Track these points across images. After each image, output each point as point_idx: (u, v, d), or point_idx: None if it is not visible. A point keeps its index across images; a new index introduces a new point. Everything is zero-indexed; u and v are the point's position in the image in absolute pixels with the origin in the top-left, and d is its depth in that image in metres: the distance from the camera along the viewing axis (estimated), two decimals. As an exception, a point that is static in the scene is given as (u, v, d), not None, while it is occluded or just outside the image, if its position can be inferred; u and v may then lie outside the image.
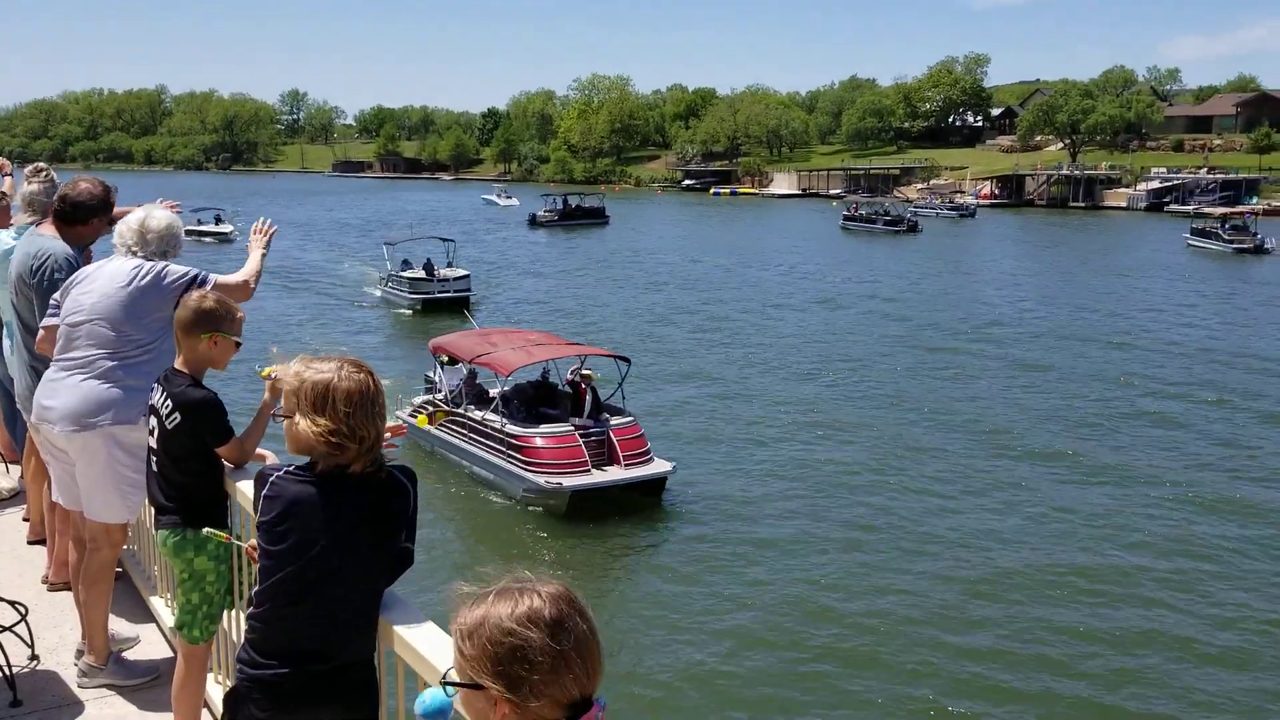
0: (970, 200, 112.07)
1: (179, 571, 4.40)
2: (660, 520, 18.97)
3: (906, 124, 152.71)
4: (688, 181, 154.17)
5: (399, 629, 3.13)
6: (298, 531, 3.16)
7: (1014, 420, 26.11)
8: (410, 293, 43.12)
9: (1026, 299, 47.99)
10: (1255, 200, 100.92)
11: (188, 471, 4.32)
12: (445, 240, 47.76)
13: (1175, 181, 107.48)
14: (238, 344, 4.44)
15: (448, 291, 42.61)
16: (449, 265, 44.89)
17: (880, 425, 25.43)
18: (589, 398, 19.92)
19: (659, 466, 19.43)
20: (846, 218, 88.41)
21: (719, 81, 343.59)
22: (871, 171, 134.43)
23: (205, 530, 4.17)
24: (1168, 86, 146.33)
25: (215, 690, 4.72)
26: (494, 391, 21.96)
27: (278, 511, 3.19)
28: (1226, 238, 68.95)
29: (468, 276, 44.18)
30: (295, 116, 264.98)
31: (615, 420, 19.83)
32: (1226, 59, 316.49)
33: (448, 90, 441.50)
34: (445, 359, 22.88)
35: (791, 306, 45.21)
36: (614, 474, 19.05)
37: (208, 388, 4.38)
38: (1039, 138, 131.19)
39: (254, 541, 3.45)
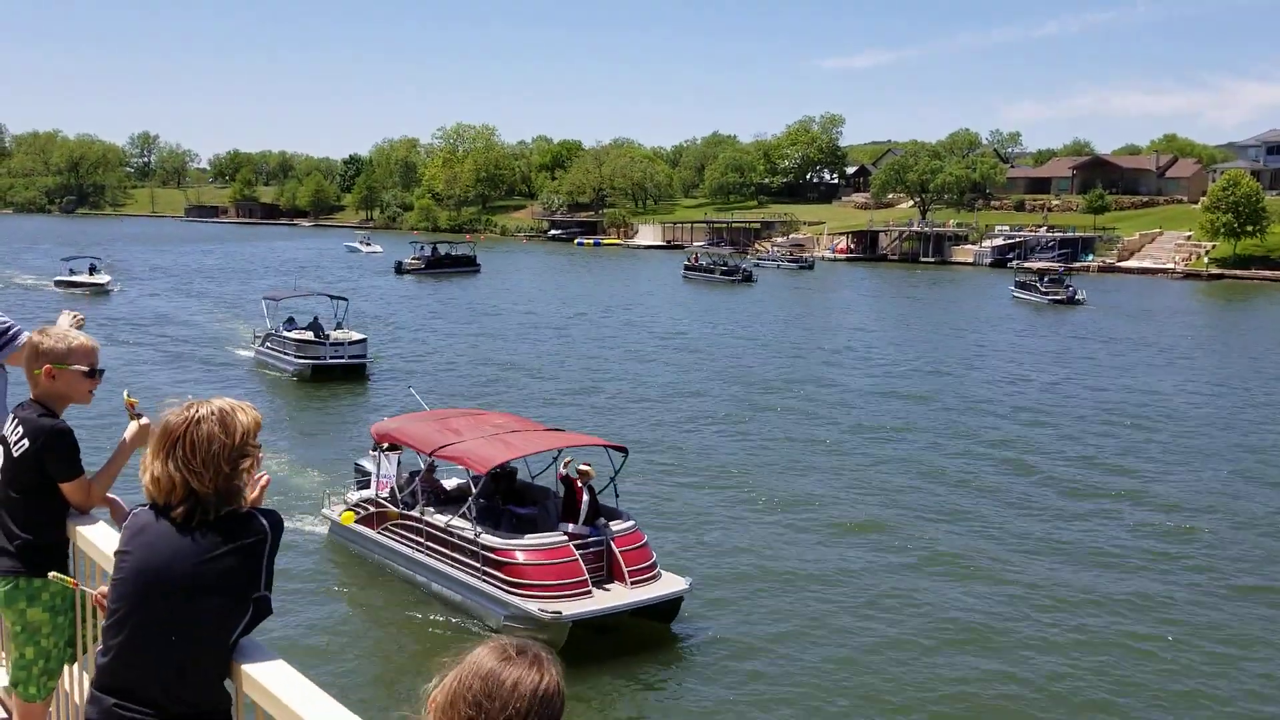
0: (826, 253, 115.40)
1: (10, 624, 4.12)
2: (671, 649, 15.22)
3: (767, 179, 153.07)
4: (553, 232, 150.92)
5: (249, 668, 2.95)
6: (139, 563, 3.03)
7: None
8: (297, 356, 37.00)
9: (841, 339, 50.27)
10: (1091, 257, 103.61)
11: (33, 509, 4.07)
12: (335, 298, 41.24)
13: (1017, 239, 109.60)
14: (87, 373, 4.21)
15: (341, 357, 36.84)
16: (338, 326, 38.83)
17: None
18: (586, 498, 15.92)
19: (672, 584, 15.60)
20: (687, 268, 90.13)
21: (585, 134, 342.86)
22: (734, 225, 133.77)
23: (51, 575, 3.86)
24: (1009, 149, 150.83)
25: (58, 755, 4.18)
26: (448, 483, 17.92)
27: (125, 540, 3.11)
28: (1043, 290, 72.55)
29: (364, 341, 38.18)
30: (146, 159, 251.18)
31: (615, 526, 15.89)
32: (1063, 122, 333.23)
33: (307, 136, 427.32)
34: (385, 447, 18.54)
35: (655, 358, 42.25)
36: (620, 596, 15.15)
37: (60, 419, 4.13)
38: (891, 195, 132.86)
39: (104, 589, 3.32)
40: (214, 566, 3.01)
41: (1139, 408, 33.94)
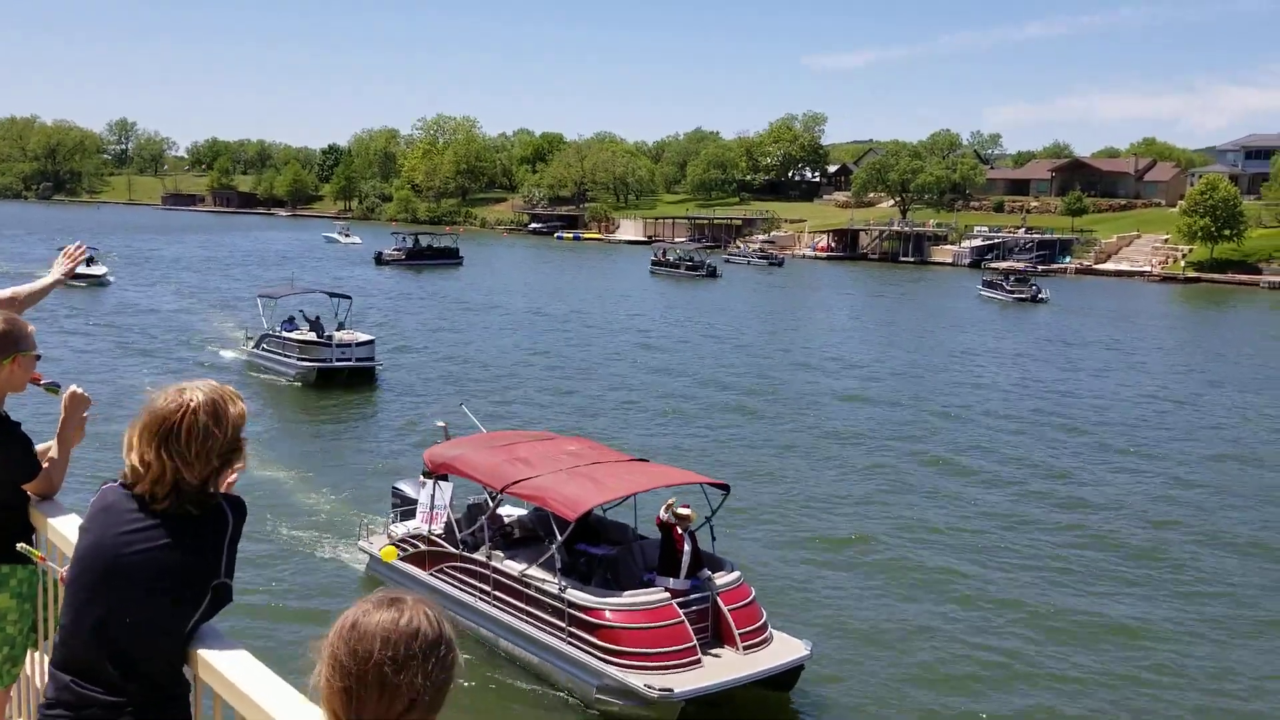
0: (807, 251, 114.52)
1: None
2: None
3: (749, 177, 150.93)
4: (534, 225, 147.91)
5: (207, 655, 2.88)
6: (98, 542, 2.94)
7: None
8: (300, 359, 33.66)
9: (796, 334, 50.21)
10: (1068, 259, 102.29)
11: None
12: (336, 296, 37.57)
13: (996, 240, 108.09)
14: (37, 356, 4.04)
15: (348, 360, 33.47)
16: (340, 326, 35.44)
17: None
18: (687, 548, 13.33)
19: (789, 649, 13.04)
20: (654, 263, 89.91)
21: (566, 127, 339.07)
22: (715, 221, 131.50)
23: (20, 546, 3.77)
24: (990, 150, 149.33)
25: (18, 740, 3.96)
26: (507, 516, 15.36)
27: (89, 516, 3.04)
28: (1009, 289, 73.22)
29: (372, 342, 34.76)
30: (124, 146, 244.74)
31: (720, 580, 13.32)
32: (1043, 125, 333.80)
33: (286, 125, 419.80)
34: (437, 477, 15.79)
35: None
36: (735, 665, 12.54)
37: (11, 419, 3.94)
38: (872, 194, 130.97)
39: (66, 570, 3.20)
40: (174, 551, 2.90)
41: (1074, 408, 33.32)
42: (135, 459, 2.93)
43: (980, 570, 18.31)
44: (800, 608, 15.96)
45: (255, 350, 36.28)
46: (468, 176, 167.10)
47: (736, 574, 13.61)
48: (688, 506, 13.70)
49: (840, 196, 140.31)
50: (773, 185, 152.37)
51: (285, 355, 34.48)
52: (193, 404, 2.92)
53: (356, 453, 25.01)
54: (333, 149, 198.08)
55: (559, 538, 13.15)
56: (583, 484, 13.61)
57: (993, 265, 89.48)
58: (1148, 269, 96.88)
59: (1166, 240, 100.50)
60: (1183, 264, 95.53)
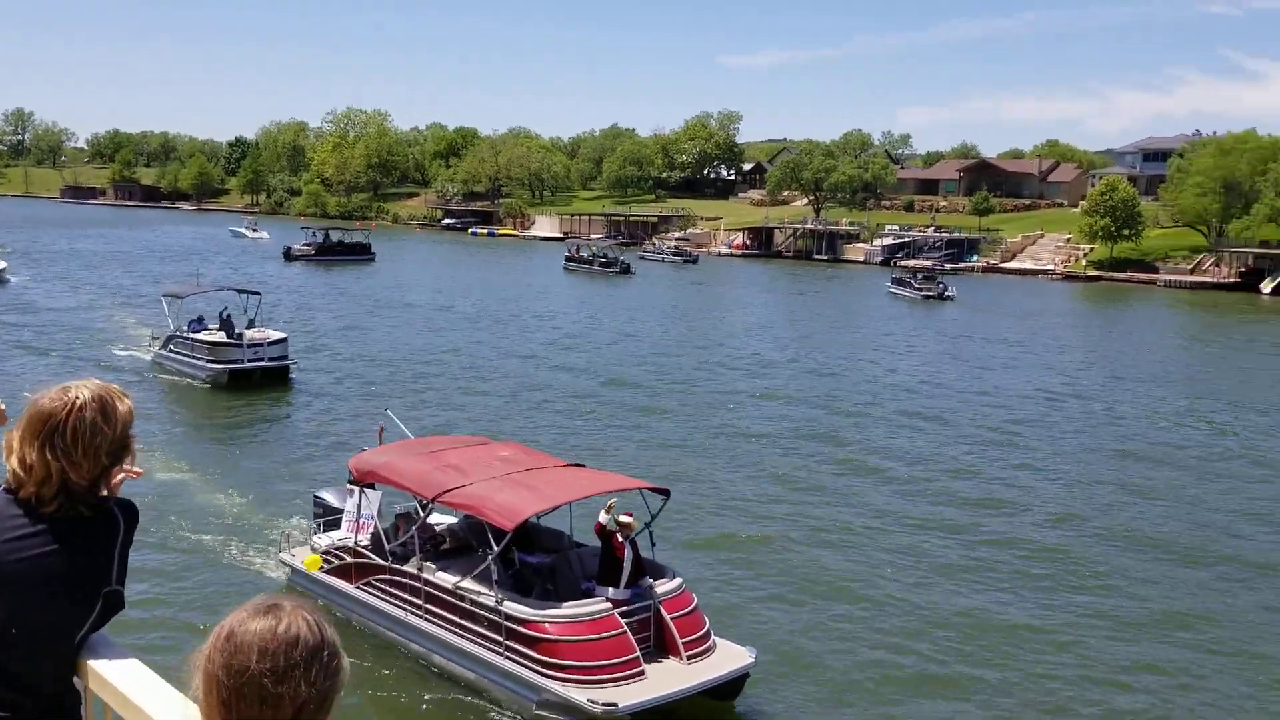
0: (723, 249, 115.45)
1: None
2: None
3: (665, 174, 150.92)
4: (447, 221, 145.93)
5: (98, 665, 2.77)
6: None
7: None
8: (210, 360, 32.17)
9: (710, 332, 50.66)
10: (976, 258, 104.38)
11: None
12: (245, 292, 36.01)
13: (907, 239, 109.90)
14: None
15: (261, 359, 32.19)
16: (250, 324, 34.00)
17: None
18: (628, 555, 12.84)
19: (734, 656, 12.66)
20: (567, 259, 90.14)
21: (480, 122, 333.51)
22: (631, 218, 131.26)
23: None
24: (900, 150, 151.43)
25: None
26: (438, 523, 14.74)
27: None
28: (916, 286, 74.43)
29: (285, 340, 33.47)
30: (20, 137, 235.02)
31: (662, 587, 12.86)
32: (951, 126, 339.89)
33: (191, 117, 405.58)
34: (363, 485, 15.05)
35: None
36: (679, 675, 12.13)
37: None
38: (786, 193, 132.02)
39: None
40: (62, 558, 2.77)
41: (979, 405, 33.84)
42: (16, 462, 2.78)
43: (895, 570, 18.27)
44: (727, 612, 15.65)
45: (162, 351, 34.79)
46: (379, 171, 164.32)
47: (678, 581, 13.19)
48: (630, 514, 13.25)
49: (755, 194, 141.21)
50: (689, 183, 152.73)
51: (194, 356, 33.06)
52: (78, 401, 2.79)
53: (273, 458, 24.01)
54: (239, 141, 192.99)
55: (495, 548, 12.57)
56: (519, 491, 13.05)
57: (901, 264, 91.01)
58: (1051, 267, 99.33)
59: (1069, 240, 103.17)
60: (1084, 263, 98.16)
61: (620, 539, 12.94)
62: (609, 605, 12.35)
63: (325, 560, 15.04)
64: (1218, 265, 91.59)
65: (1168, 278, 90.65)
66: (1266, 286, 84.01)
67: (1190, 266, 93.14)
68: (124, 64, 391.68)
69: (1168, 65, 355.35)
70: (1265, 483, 24.96)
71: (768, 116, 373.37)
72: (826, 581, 17.53)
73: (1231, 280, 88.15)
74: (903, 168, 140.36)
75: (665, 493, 13.99)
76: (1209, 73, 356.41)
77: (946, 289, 72.78)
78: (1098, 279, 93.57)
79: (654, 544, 13.78)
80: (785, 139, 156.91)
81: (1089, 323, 64.37)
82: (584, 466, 15.01)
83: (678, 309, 61.08)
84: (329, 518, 16.20)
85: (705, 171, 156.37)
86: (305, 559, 15.35)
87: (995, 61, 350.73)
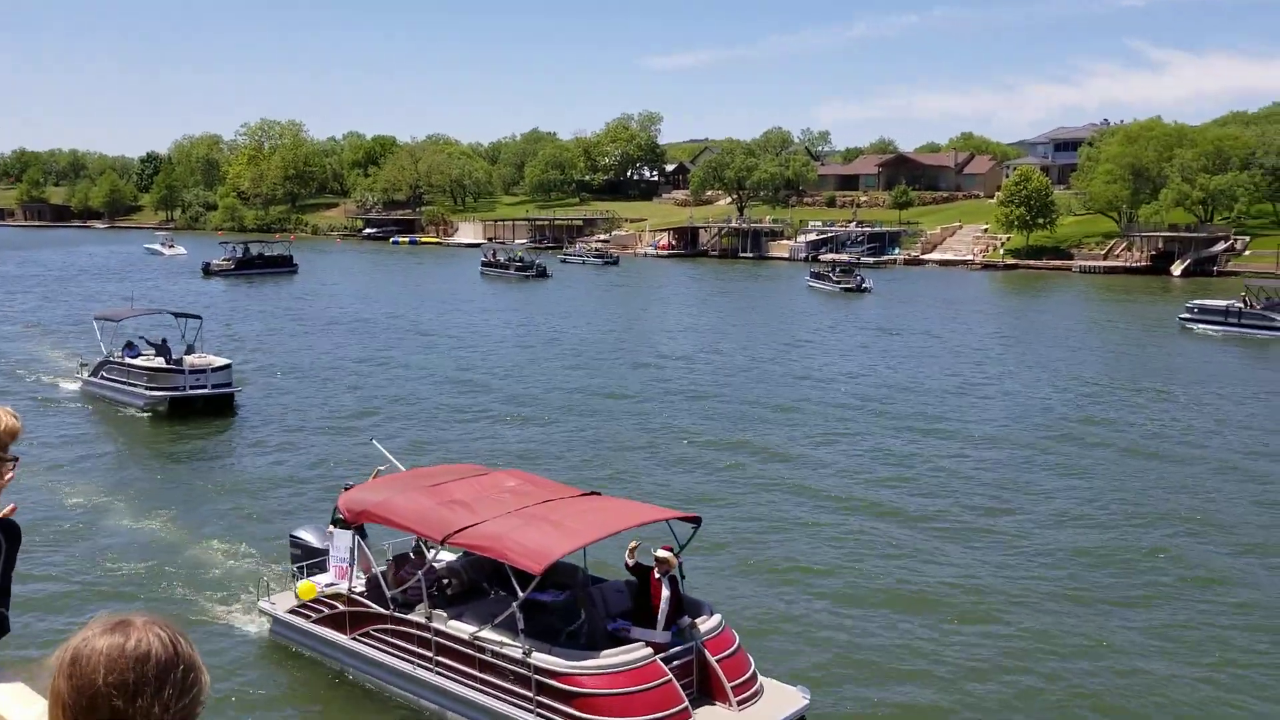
0: (649, 250, 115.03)
1: None
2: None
3: (588, 177, 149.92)
4: (369, 230, 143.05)
5: None
6: None
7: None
8: (149, 387, 30.46)
9: (628, 333, 50.32)
10: (897, 251, 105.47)
11: None
12: (184, 316, 33.94)
13: (830, 234, 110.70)
14: None
15: (203, 387, 30.40)
16: (189, 350, 32.04)
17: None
18: (666, 593, 11.81)
19: (786, 699, 11.64)
20: (484, 264, 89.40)
21: (399, 129, 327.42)
22: (555, 222, 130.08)
23: None
24: (820, 147, 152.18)
25: None
26: (433, 557, 13.63)
27: None
28: (835, 279, 75.57)
29: (229, 367, 31.64)
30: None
31: (702, 625, 11.83)
32: (869, 122, 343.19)
33: (101, 134, 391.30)
34: (353, 525, 13.86)
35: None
36: (727, 723, 11.11)
37: None
38: (710, 192, 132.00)
39: None
40: None
41: (901, 393, 34.00)
42: None
43: (887, 564, 17.73)
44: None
45: (94, 379, 32.90)
46: (297, 182, 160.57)
47: (718, 618, 12.15)
48: (670, 549, 12.17)
49: (679, 195, 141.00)
50: (612, 185, 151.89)
51: (131, 384, 31.30)
52: None
53: (232, 494, 22.46)
54: (152, 157, 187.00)
55: (521, 593, 11.48)
56: (542, 528, 11.90)
57: (820, 258, 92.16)
58: (970, 258, 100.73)
59: (986, 230, 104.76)
60: (1002, 252, 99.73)
61: (657, 577, 11.94)
62: (650, 651, 11.29)
63: (314, 609, 13.90)
64: (1129, 250, 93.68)
65: (1082, 264, 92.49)
66: (1177, 269, 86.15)
67: (1104, 252, 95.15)
68: (27, 82, 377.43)
69: (1076, 57, 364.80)
70: (1182, 463, 25.04)
71: (689, 117, 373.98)
72: (821, 584, 16.90)
73: (1143, 264, 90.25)
74: (823, 164, 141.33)
75: (696, 520, 12.93)
76: (1116, 64, 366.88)
77: (864, 281, 73.80)
78: (1015, 267, 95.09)
79: (683, 576, 12.65)
80: (707, 139, 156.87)
81: (1009, 310, 65.14)
82: (599, 495, 13.88)
83: (595, 311, 60.60)
84: (310, 560, 15.03)
85: (628, 173, 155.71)
86: (300, 586, 14.13)
87: (909, 57, 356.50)
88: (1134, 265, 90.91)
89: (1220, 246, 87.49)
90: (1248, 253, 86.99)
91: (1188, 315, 53.12)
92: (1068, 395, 33.89)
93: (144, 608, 10.85)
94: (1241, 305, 51.32)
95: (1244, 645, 14.82)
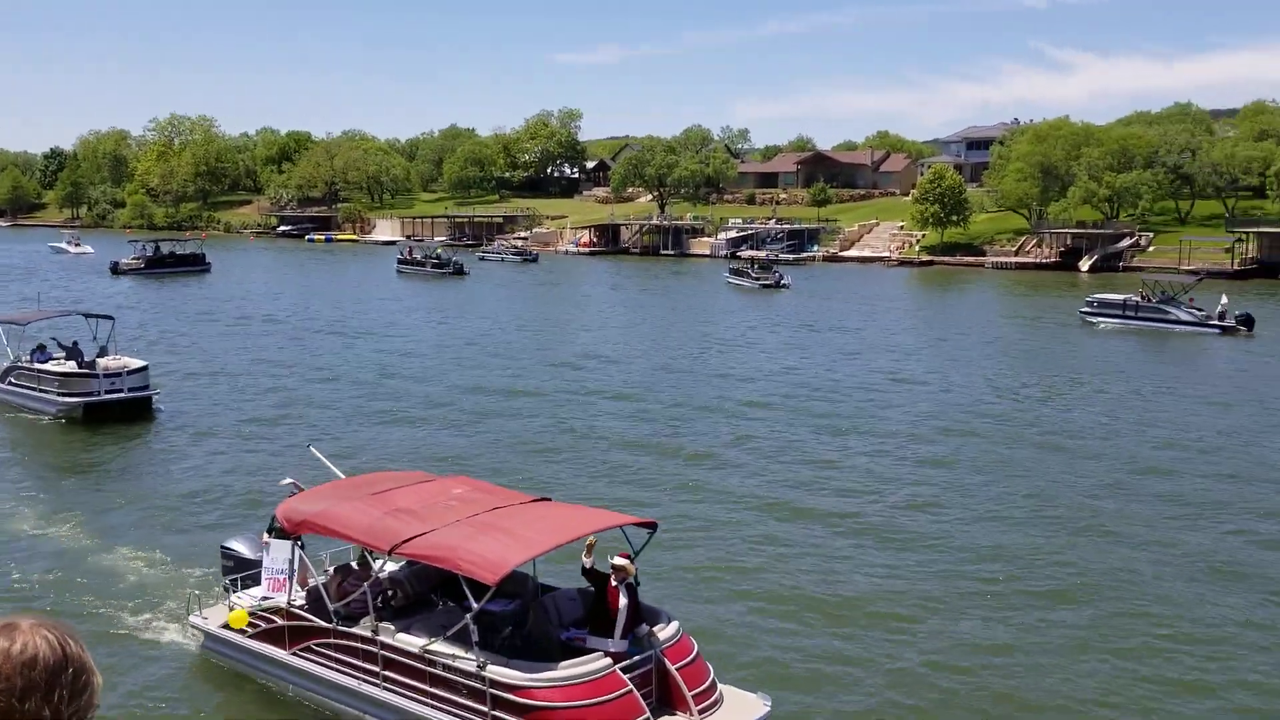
0: (570, 247, 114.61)
1: None
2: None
3: (508, 174, 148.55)
4: (283, 228, 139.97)
5: None
6: None
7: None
8: (61, 393, 29.06)
9: (544, 332, 49.94)
10: (816, 248, 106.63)
11: None
12: (95, 317, 32.58)
13: (750, 231, 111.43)
14: None
15: (119, 391, 29.12)
16: (102, 352, 30.64)
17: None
18: (623, 601, 11.53)
19: (748, 708, 11.42)
20: (400, 261, 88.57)
21: (314, 125, 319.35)
22: (475, 219, 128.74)
23: None
24: (740, 145, 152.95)
25: None
26: (379, 568, 13.10)
27: None
28: (754, 276, 76.05)
29: (145, 369, 30.27)
30: None
31: (660, 633, 11.53)
32: (787, 120, 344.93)
33: (1, 128, 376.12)
34: (292, 536, 13.30)
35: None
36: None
37: None
38: (631, 189, 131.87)
39: None
40: None
41: (818, 391, 34.32)
42: None
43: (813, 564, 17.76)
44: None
45: (1, 385, 31.39)
46: (208, 179, 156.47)
47: (675, 625, 11.84)
48: (626, 557, 11.86)
49: (600, 192, 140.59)
50: (532, 182, 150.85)
51: (41, 390, 29.87)
52: None
53: (153, 503, 21.49)
54: (56, 153, 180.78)
55: (475, 605, 11.06)
56: (495, 537, 11.47)
57: (738, 255, 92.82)
58: (887, 254, 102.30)
59: (902, 227, 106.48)
60: (917, 248, 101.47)
61: (614, 584, 11.65)
62: (609, 661, 10.97)
63: (252, 623, 13.33)
64: (1039, 246, 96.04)
65: (995, 260, 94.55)
66: (1084, 265, 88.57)
67: (1015, 248, 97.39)
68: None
69: (984, 56, 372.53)
70: (1093, 458, 25.40)
71: (609, 114, 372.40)
72: (785, 593, 16.83)
73: (1053, 260, 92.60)
74: (743, 162, 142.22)
75: (652, 526, 12.59)
76: (1023, 64, 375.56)
77: (782, 278, 74.37)
78: (931, 264, 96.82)
79: (638, 584, 12.28)
80: (627, 136, 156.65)
81: (925, 306, 66.35)
82: (550, 500, 13.53)
83: (516, 310, 60.10)
84: (244, 573, 14.41)
85: (549, 170, 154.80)
86: (230, 615, 13.54)
87: (823, 55, 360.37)
88: (1044, 261, 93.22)
89: (1126, 243, 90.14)
90: (1151, 249, 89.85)
91: (1088, 309, 54.59)
92: (982, 391, 34.39)
93: (44, 612, 10.11)
94: (1139, 300, 52.91)
95: (1161, 637, 15.06)
